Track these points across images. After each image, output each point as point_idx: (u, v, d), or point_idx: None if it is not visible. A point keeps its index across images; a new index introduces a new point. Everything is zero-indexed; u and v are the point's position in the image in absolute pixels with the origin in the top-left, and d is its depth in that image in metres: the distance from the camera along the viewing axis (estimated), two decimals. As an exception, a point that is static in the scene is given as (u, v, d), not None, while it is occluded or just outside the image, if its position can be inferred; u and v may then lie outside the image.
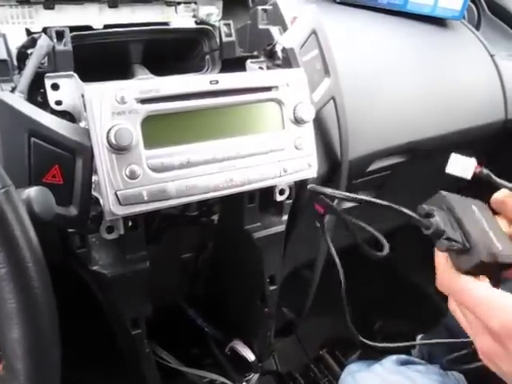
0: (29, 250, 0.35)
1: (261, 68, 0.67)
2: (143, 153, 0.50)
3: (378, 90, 0.80)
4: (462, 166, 0.46)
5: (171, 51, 0.72)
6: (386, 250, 0.53)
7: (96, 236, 0.57)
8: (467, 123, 0.90)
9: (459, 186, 0.48)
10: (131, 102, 0.49)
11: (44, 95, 0.54)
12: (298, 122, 0.59)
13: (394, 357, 0.87)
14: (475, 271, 0.40)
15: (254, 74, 0.64)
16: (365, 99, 0.78)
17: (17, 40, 0.56)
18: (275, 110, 0.58)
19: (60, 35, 0.56)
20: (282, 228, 0.68)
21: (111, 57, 0.65)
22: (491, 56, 0.96)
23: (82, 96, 0.50)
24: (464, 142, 0.90)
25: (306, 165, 0.60)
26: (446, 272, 0.41)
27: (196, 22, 0.75)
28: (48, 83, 0.54)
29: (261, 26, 0.69)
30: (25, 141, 0.47)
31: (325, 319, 1.19)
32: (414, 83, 0.85)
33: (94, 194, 0.51)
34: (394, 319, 1.26)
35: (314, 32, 0.66)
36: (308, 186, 0.47)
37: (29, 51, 0.55)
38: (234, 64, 0.68)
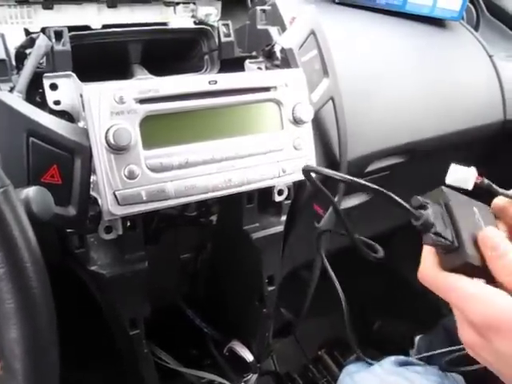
0: (27, 249, 0.35)
1: (259, 68, 0.67)
2: (142, 153, 0.50)
3: (376, 90, 0.80)
4: (462, 176, 0.44)
5: (170, 51, 0.71)
6: (381, 253, 0.53)
7: (94, 236, 0.57)
8: (466, 124, 0.90)
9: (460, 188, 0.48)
10: (130, 102, 0.49)
11: (42, 95, 0.54)
12: (296, 122, 0.59)
13: (393, 358, 0.87)
14: (460, 271, 0.40)
15: (253, 74, 0.64)
16: (363, 100, 0.78)
17: (15, 40, 0.57)
18: (274, 111, 0.58)
19: (58, 35, 0.56)
20: (280, 228, 0.68)
21: (110, 57, 0.65)
22: (490, 57, 0.96)
23: (81, 96, 0.49)
24: (462, 142, 0.90)
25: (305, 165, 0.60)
26: (430, 269, 0.42)
27: (195, 23, 0.75)
28: (46, 83, 0.54)
29: (259, 27, 0.69)
30: (23, 141, 0.47)
31: (323, 320, 1.19)
32: (412, 84, 0.85)
33: (93, 194, 0.51)
34: (392, 319, 1.26)
35: (312, 32, 0.66)
36: (303, 166, 0.46)
37: (27, 51, 0.55)
38: (233, 64, 0.68)
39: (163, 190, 0.51)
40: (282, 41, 0.65)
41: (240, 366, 0.84)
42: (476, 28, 1.05)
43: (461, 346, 0.73)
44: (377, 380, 0.82)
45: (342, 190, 0.71)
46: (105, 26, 0.67)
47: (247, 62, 0.67)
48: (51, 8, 0.65)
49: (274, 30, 0.68)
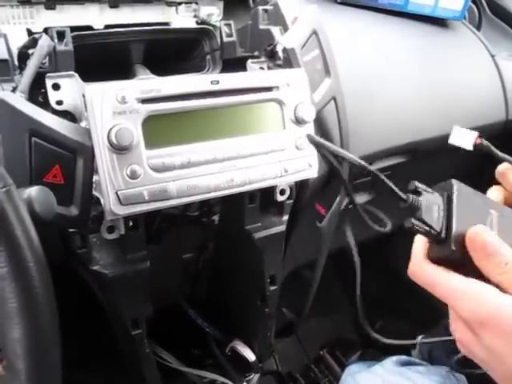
0: (30, 249, 0.35)
1: (261, 68, 0.67)
2: (144, 153, 0.50)
3: (378, 90, 0.80)
4: (463, 136, 0.48)
5: (172, 51, 0.72)
6: (389, 226, 0.53)
7: (97, 236, 0.57)
8: (468, 124, 0.89)
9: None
10: (132, 102, 0.49)
11: (45, 95, 0.55)
12: (298, 122, 0.59)
13: (395, 358, 0.87)
14: (446, 264, 0.39)
15: (255, 74, 0.64)
16: (365, 99, 0.78)
17: (18, 40, 0.57)
18: (276, 110, 0.58)
19: (61, 35, 0.56)
20: (282, 228, 0.68)
21: (112, 57, 0.65)
22: (492, 56, 0.96)
23: (83, 96, 0.50)
24: (464, 142, 0.90)
25: (307, 165, 0.60)
26: (418, 265, 0.42)
27: (197, 22, 0.75)
28: (49, 83, 0.54)
29: (262, 27, 0.69)
30: (26, 140, 0.47)
31: (325, 319, 1.19)
32: (414, 83, 0.85)
33: (95, 193, 0.51)
34: (394, 319, 1.26)
35: (314, 32, 0.66)
36: (306, 135, 0.47)
37: (30, 51, 0.55)
38: (235, 64, 0.68)
39: (165, 190, 0.51)
40: (284, 41, 0.65)
41: (242, 366, 0.84)
42: (478, 28, 1.05)
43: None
44: (379, 380, 0.82)
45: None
46: (107, 26, 0.67)
47: (249, 61, 0.67)
48: (53, 8, 0.65)
49: (276, 30, 0.68)
